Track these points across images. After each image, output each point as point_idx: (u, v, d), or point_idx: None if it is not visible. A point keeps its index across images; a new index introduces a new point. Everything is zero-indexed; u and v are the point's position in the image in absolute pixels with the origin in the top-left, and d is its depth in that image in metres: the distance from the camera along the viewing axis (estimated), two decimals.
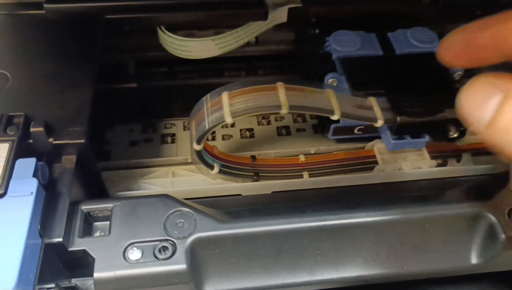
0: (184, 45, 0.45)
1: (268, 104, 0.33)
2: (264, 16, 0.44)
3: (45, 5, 0.42)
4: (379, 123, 0.35)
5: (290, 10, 0.45)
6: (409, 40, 0.42)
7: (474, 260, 0.34)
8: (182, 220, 0.32)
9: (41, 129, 0.32)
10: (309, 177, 0.42)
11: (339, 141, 0.45)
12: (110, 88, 0.51)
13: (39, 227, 0.28)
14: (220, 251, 0.32)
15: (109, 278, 0.29)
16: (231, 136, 0.48)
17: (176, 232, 0.31)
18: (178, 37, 0.44)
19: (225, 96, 0.35)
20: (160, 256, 0.30)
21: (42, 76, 0.37)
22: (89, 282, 0.32)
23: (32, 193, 0.28)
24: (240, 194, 0.41)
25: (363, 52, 0.41)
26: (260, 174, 0.41)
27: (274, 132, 0.49)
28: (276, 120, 0.49)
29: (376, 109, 0.36)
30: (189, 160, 0.44)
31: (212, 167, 0.39)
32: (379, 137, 0.41)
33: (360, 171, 0.42)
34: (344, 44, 0.42)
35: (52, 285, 0.28)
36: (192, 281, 0.31)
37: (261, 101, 0.34)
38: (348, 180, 0.42)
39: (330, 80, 0.40)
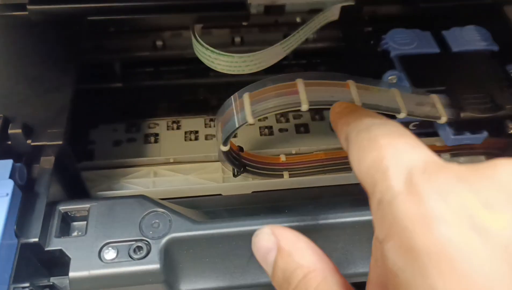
0: (256, 58, 0.43)
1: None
2: (246, 18, 0.44)
3: (28, 7, 0.42)
4: (443, 120, 0.37)
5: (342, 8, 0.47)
6: (464, 38, 0.43)
7: None
8: (157, 221, 0.32)
9: (19, 131, 0.32)
10: (289, 177, 0.42)
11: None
12: (95, 87, 0.52)
13: (15, 227, 0.29)
14: (195, 251, 0.32)
15: (84, 278, 0.30)
16: (214, 135, 0.48)
17: (151, 232, 0.32)
18: (246, 54, 0.42)
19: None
20: (134, 256, 0.31)
21: (23, 78, 0.37)
22: (67, 280, 0.32)
23: (7, 194, 0.29)
24: (220, 194, 0.42)
25: (420, 50, 0.43)
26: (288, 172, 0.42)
27: (258, 131, 0.49)
28: (259, 120, 0.50)
29: (439, 106, 0.37)
30: (171, 160, 0.45)
31: (278, 176, 0.41)
32: (434, 134, 0.42)
33: (339, 172, 0.43)
34: (401, 42, 0.43)
35: (27, 284, 0.29)
36: (166, 280, 0.31)
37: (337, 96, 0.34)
38: (327, 180, 0.43)
39: (390, 78, 0.41)
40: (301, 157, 0.44)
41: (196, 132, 0.48)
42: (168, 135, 0.48)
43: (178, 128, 0.48)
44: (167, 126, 0.48)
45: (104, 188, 0.41)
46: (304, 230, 0.32)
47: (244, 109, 0.34)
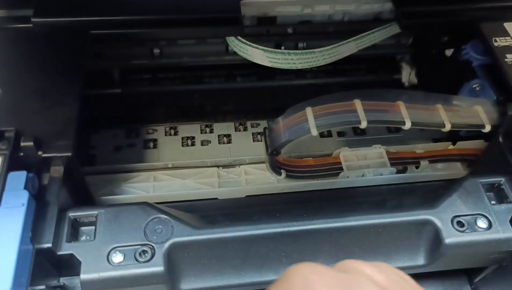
0: (333, 51, 0.50)
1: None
2: (240, 32, 0.46)
3: (33, 19, 0.44)
4: (487, 128, 0.41)
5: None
6: None
7: (421, 261, 0.38)
8: (160, 226, 0.35)
9: (31, 143, 0.35)
10: (285, 177, 0.45)
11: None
12: (95, 93, 0.54)
13: (30, 234, 0.32)
14: (195, 254, 0.35)
15: (94, 279, 0.33)
16: (209, 141, 0.51)
17: (155, 237, 0.35)
18: (324, 48, 0.49)
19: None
20: (140, 259, 0.34)
21: (31, 91, 0.39)
22: (75, 280, 0.35)
23: (23, 204, 0.31)
24: (216, 198, 0.45)
25: None
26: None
27: (250, 137, 0.52)
28: (252, 126, 0.53)
29: (483, 116, 0.41)
30: (170, 165, 0.47)
31: (279, 173, 0.45)
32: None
33: (327, 177, 0.46)
34: (481, 52, 0.47)
35: (42, 287, 0.32)
36: (169, 281, 0.34)
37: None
38: (315, 185, 0.46)
39: (474, 86, 0.45)
40: (294, 161, 0.47)
41: (193, 138, 0.51)
42: (166, 140, 0.50)
43: (175, 134, 0.51)
44: (165, 132, 0.51)
45: (106, 192, 0.44)
46: (294, 233, 0.36)
47: (308, 121, 0.39)
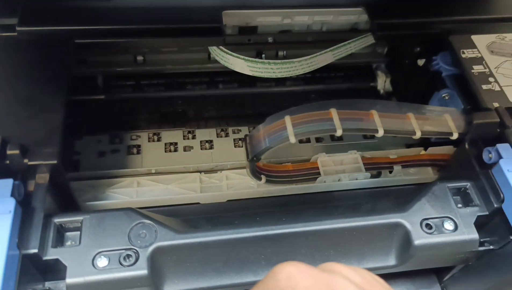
0: (312, 61, 0.52)
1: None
2: (221, 42, 0.48)
3: (18, 28, 0.45)
4: (454, 136, 0.43)
5: None
6: None
7: (392, 261, 0.40)
8: (144, 231, 0.36)
9: (17, 151, 0.36)
10: (266, 182, 0.47)
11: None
12: (79, 99, 0.55)
13: (17, 240, 0.33)
14: (178, 257, 0.37)
15: (80, 283, 0.34)
16: (192, 147, 0.52)
17: (139, 241, 0.36)
18: (303, 58, 0.52)
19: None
20: (124, 263, 0.35)
21: (16, 99, 0.40)
22: (60, 284, 0.36)
23: (10, 211, 0.32)
24: (198, 203, 0.46)
25: None
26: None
27: (232, 143, 0.54)
28: (233, 132, 0.54)
29: (451, 124, 0.44)
30: (153, 171, 0.49)
31: (260, 179, 0.46)
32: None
33: (305, 182, 0.48)
34: (450, 63, 0.50)
35: None
36: (153, 284, 0.36)
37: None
38: (294, 189, 0.48)
39: (443, 95, 0.48)
40: (273, 166, 0.49)
41: (176, 144, 0.52)
42: (150, 146, 0.51)
43: (158, 140, 0.52)
44: (148, 138, 0.52)
45: (91, 198, 0.45)
46: (273, 237, 0.38)
47: (286, 129, 0.41)
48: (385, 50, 0.61)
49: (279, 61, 0.51)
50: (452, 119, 0.45)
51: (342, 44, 0.53)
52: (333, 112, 0.42)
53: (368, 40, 0.53)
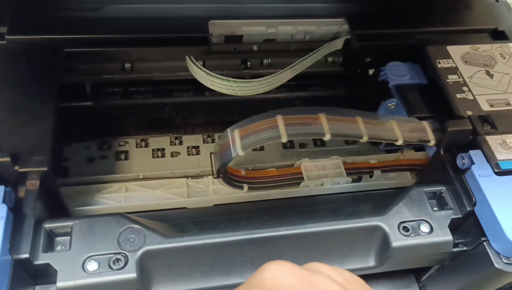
0: (272, 80, 0.53)
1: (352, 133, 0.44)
2: (208, 51, 0.50)
3: (7, 36, 0.46)
4: (432, 143, 0.45)
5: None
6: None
7: (372, 263, 0.42)
8: (133, 235, 0.38)
9: (8, 159, 0.36)
10: (248, 190, 0.48)
11: (388, 151, 0.54)
12: (67, 106, 0.55)
13: (8, 245, 0.34)
14: (166, 261, 0.38)
15: (71, 288, 0.35)
16: (179, 153, 0.54)
17: (128, 246, 0.37)
18: (263, 78, 0.52)
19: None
20: (114, 267, 0.36)
21: (7, 107, 0.41)
22: (51, 288, 0.37)
23: (2, 217, 0.33)
24: (185, 207, 0.48)
25: (413, 81, 0.51)
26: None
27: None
28: (219, 138, 0.56)
29: (429, 132, 0.45)
30: (141, 176, 0.50)
31: (241, 188, 0.47)
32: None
33: (289, 186, 0.49)
34: (397, 73, 0.51)
35: None
36: (142, 287, 0.37)
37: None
38: (278, 194, 0.49)
39: (389, 105, 0.50)
40: (257, 173, 0.51)
41: (163, 149, 0.53)
42: (137, 152, 0.53)
43: (146, 146, 0.53)
44: (136, 144, 0.53)
45: (80, 203, 0.46)
46: (258, 240, 0.39)
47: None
48: (340, 60, 0.63)
49: (240, 80, 0.51)
50: (430, 127, 0.47)
51: (298, 61, 0.54)
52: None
53: (322, 52, 0.55)
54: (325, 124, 0.42)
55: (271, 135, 0.41)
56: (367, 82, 0.56)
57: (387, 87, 0.51)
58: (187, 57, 0.51)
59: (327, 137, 0.42)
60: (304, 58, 0.55)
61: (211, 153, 0.47)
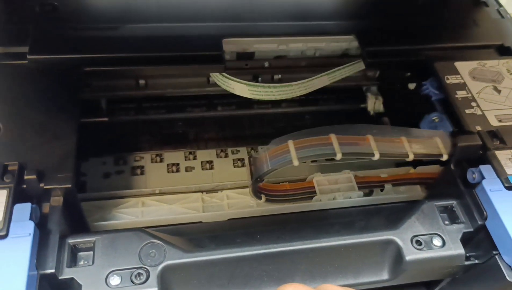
0: (308, 84, 0.56)
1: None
2: (222, 69, 0.51)
3: (29, 56, 0.47)
4: (444, 157, 0.46)
5: None
6: None
7: (385, 276, 0.43)
8: (154, 250, 0.39)
9: (34, 177, 0.38)
10: (266, 201, 0.50)
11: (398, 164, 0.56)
12: (84, 122, 0.57)
13: (35, 261, 0.35)
14: (185, 275, 0.39)
15: None
16: (193, 167, 0.55)
17: (149, 260, 0.38)
18: (301, 81, 0.55)
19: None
20: (136, 281, 0.37)
21: (31, 126, 0.42)
22: None
23: (30, 234, 0.35)
24: (201, 222, 0.49)
25: None
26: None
27: (231, 163, 0.56)
28: (232, 153, 0.57)
29: (441, 146, 0.46)
30: (157, 191, 0.51)
31: (260, 198, 0.49)
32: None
33: (302, 200, 0.51)
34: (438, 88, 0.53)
35: None
36: None
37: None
38: (291, 208, 0.50)
39: (433, 118, 0.51)
40: (271, 186, 0.51)
41: (178, 164, 0.54)
42: (153, 167, 0.54)
43: (161, 161, 0.55)
44: (151, 159, 0.55)
45: (98, 218, 0.47)
46: (274, 255, 0.40)
47: (290, 152, 0.44)
48: (376, 74, 0.65)
49: (278, 84, 0.54)
50: (442, 142, 0.48)
51: (337, 68, 0.56)
52: (333, 137, 0.45)
53: (361, 65, 0.57)
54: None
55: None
56: (407, 96, 0.59)
57: (430, 101, 0.53)
58: (217, 74, 0.52)
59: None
60: (343, 66, 0.57)
61: (250, 158, 0.48)
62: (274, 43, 0.57)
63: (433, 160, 0.50)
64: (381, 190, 0.53)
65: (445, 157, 0.47)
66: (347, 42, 0.58)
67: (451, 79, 0.52)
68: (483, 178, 0.43)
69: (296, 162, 0.43)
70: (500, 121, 0.48)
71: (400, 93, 0.61)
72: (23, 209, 0.36)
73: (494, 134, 0.46)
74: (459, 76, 0.52)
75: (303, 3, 0.59)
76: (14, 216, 0.35)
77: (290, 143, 0.44)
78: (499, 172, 0.43)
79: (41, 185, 0.38)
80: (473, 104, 0.50)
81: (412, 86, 0.59)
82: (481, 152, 0.45)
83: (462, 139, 0.46)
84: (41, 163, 0.39)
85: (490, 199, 0.41)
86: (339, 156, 0.44)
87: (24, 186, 0.38)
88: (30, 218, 0.36)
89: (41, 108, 0.44)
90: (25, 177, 0.38)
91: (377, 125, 0.49)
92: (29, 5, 0.52)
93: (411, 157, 0.46)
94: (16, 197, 0.37)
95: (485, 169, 0.43)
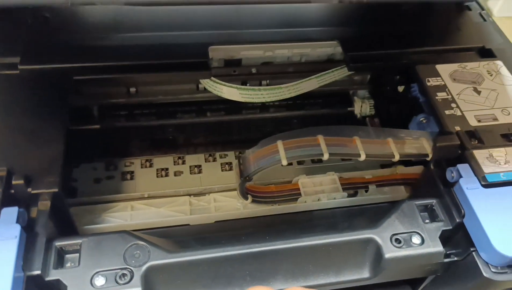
0: (298, 86, 0.58)
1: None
2: (208, 75, 0.52)
3: (20, 66, 0.49)
4: (430, 157, 0.47)
5: None
6: None
7: (366, 274, 0.44)
8: (138, 252, 0.40)
9: (22, 181, 0.39)
10: (252, 201, 0.51)
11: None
12: (76, 129, 0.58)
13: (22, 263, 0.36)
14: (169, 275, 0.40)
15: None
16: (182, 172, 0.56)
17: (133, 261, 0.39)
18: (290, 84, 0.57)
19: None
20: (120, 282, 0.38)
21: (20, 132, 0.44)
22: None
23: (16, 236, 0.36)
24: (188, 224, 0.50)
25: None
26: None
27: (219, 167, 0.57)
28: (220, 157, 0.58)
29: (426, 146, 0.48)
30: (146, 195, 0.52)
31: (247, 198, 0.50)
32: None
33: (287, 202, 0.52)
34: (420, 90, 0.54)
35: None
36: None
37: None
38: (277, 209, 0.51)
39: (421, 119, 0.53)
40: (258, 187, 0.53)
41: (167, 169, 0.56)
42: (142, 172, 0.55)
43: (150, 166, 0.56)
44: (141, 164, 0.56)
45: (88, 222, 0.48)
46: (256, 254, 0.41)
47: (279, 153, 0.45)
48: (367, 78, 0.66)
49: (269, 87, 0.55)
50: (427, 142, 0.49)
51: (325, 72, 0.58)
52: (320, 139, 0.46)
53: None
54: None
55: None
56: (396, 98, 0.60)
57: (418, 103, 0.54)
58: (208, 80, 0.54)
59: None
60: (332, 70, 0.58)
61: (239, 157, 0.50)
62: (260, 50, 0.58)
63: (420, 160, 0.51)
64: (366, 191, 0.54)
65: (430, 157, 0.48)
66: (332, 48, 0.59)
67: (432, 81, 0.53)
68: (460, 176, 0.44)
69: (284, 162, 0.44)
70: (479, 121, 0.49)
71: (390, 96, 0.62)
72: (10, 213, 0.37)
73: (473, 134, 0.47)
74: (439, 78, 0.54)
75: (289, 10, 0.61)
76: (1, 220, 0.37)
77: (279, 143, 0.46)
78: (476, 171, 0.44)
79: (29, 189, 0.40)
80: (453, 105, 0.51)
81: (401, 88, 0.60)
82: (459, 151, 0.46)
83: (441, 140, 0.47)
84: (29, 168, 0.41)
85: (467, 197, 0.42)
86: (326, 156, 0.45)
87: (12, 191, 0.39)
88: (17, 221, 0.37)
89: (30, 115, 0.46)
90: (13, 182, 0.39)
91: (364, 127, 0.50)
92: (21, 17, 0.54)
93: (397, 157, 0.47)
94: (5, 201, 0.38)
95: (463, 168, 0.44)
